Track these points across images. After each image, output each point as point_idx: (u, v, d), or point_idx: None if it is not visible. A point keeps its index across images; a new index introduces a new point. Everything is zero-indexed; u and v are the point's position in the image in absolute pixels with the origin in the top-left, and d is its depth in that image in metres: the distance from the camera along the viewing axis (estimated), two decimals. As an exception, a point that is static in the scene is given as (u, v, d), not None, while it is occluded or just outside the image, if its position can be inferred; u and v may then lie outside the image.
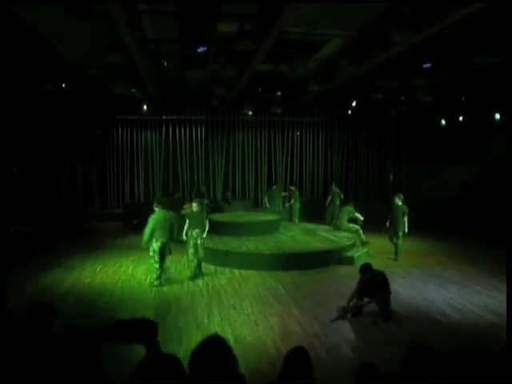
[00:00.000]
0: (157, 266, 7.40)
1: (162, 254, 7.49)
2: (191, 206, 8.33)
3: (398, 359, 2.25)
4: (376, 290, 6.04)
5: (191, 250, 8.09)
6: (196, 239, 8.07)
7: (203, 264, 8.33)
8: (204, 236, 8.22)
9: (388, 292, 6.06)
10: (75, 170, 14.18)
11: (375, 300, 6.03)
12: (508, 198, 9.85)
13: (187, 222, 8.18)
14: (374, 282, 6.09)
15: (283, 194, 14.84)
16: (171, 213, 7.99)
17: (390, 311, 6.04)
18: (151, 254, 7.46)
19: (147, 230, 7.34)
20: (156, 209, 7.60)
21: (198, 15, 6.43)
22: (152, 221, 7.38)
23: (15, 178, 11.31)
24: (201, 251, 8.09)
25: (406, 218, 9.37)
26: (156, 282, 7.44)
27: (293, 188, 14.21)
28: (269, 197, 13.82)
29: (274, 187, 14.36)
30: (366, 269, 6.26)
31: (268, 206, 13.58)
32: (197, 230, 8.08)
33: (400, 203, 9.37)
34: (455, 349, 4.92)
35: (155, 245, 7.38)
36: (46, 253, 9.98)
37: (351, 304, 6.11)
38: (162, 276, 7.57)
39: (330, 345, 5.13)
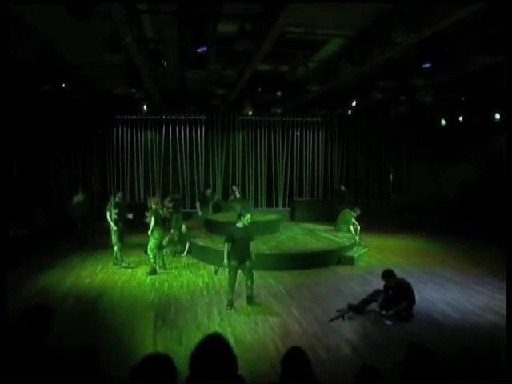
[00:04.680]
0: None
1: None
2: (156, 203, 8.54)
3: (398, 359, 2.25)
4: (401, 299, 5.99)
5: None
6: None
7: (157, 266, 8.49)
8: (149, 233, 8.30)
9: (413, 302, 6.04)
10: (75, 169, 14.16)
11: (399, 310, 5.95)
12: (508, 197, 9.82)
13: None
14: (398, 290, 6.04)
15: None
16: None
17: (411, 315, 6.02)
18: None
19: None
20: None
21: (197, 15, 6.42)
22: None
23: (15, 178, 11.29)
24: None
25: None
26: None
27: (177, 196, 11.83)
28: (201, 201, 12.49)
29: (209, 191, 12.94)
30: (388, 275, 6.14)
31: (200, 213, 12.23)
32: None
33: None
34: (455, 349, 4.92)
35: None
36: (45, 253, 9.99)
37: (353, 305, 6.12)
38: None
39: (330, 345, 5.14)
